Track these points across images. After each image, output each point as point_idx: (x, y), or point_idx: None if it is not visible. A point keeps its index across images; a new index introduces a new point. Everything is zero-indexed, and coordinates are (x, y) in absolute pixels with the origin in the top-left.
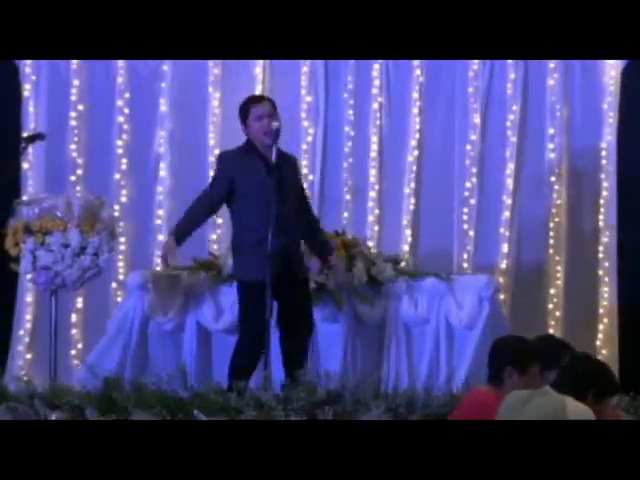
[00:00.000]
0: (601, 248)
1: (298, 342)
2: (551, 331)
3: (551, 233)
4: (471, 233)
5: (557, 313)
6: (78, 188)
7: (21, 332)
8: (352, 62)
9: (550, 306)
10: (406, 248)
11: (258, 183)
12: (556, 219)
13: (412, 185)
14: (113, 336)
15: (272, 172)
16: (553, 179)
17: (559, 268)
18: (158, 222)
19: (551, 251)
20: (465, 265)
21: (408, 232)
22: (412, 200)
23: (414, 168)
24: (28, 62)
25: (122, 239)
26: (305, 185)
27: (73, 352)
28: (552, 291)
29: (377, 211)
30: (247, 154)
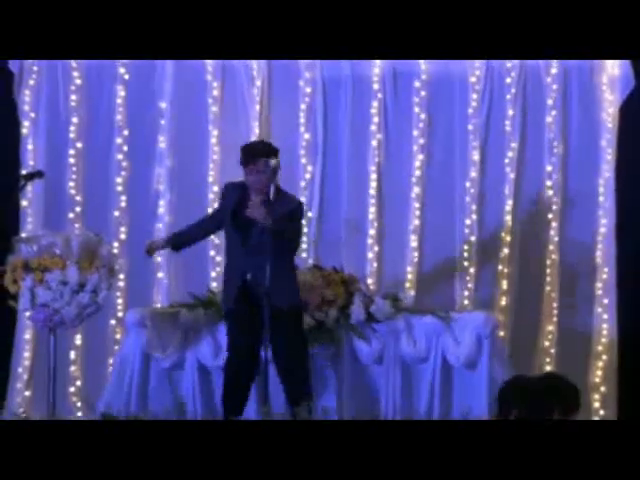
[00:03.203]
0: (599, 285)
1: (286, 375)
2: (547, 368)
3: (548, 270)
4: (471, 270)
5: (552, 350)
6: (77, 225)
7: (20, 369)
8: (351, 99)
9: (546, 343)
10: (405, 285)
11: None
12: (553, 256)
13: (414, 222)
14: (117, 374)
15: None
16: (550, 216)
17: (555, 305)
18: (157, 259)
19: (548, 288)
20: (466, 302)
21: (408, 269)
22: (413, 237)
23: (416, 205)
24: (27, 99)
25: (121, 276)
26: (304, 222)
27: (72, 389)
28: (549, 328)
29: (376, 248)
30: (243, 191)
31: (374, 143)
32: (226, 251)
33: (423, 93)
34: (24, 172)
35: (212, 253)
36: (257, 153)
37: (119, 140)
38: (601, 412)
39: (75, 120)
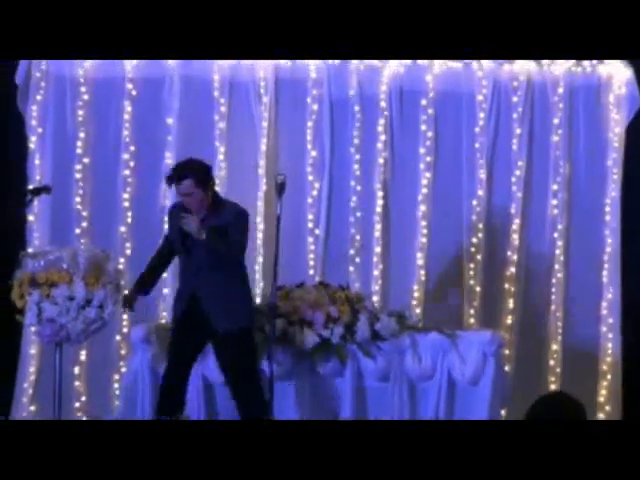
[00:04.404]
0: (604, 304)
1: (235, 395)
2: (552, 387)
3: (553, 289)
4: (477, 288)
5: (557, 369)
6: (83, 241)
7: (25, 384)
8: (358, 116)
9: (551, 362)
10: (411, 303)
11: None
12: (558, 275)
13: (420, 240)
14: (127, 391)
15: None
16: (556, 235)
17: (560, 324)
18: (164, 275)
19: (553, 307)
20: (471, 320)
21: (414, 287)
22: (419, 255)
23: (422, 223)
24: (34, 114)
25: (126, 292)
26: (311, 239)
27: (77, 405)
28: (554, 347)
29: (382, 266)
30: (184, 210)
31: (380, 161)
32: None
33: (430, 111)
34: (31, 187)
35: None
36: (173, 177)
37: (126, 156)
38: None
39: (82, 135)
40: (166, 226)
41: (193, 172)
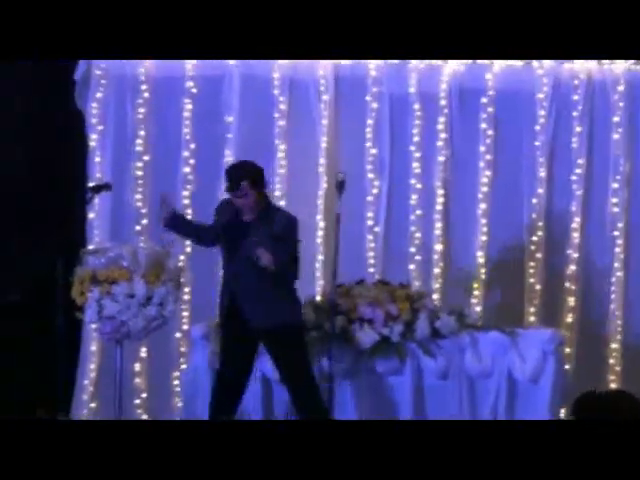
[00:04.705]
0: None
1: (292, 393)
2: (612, 386)
3: (613, 288)
4: (537, 287)
5: (617, 368)
6: (143, 238)
7: (85, 381)
8: (418, 114)
9: (611, 361)
10: (471, 301)
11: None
12: (618, 273)
13: (480, 238)
14: (189, 390)
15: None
16: (616, 233)
17: (620, 322)
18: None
19: (613, 305)
20: (532, 319)
21: (474, 285)
22: (479, 253)
23: (482, 221)
24: (94, 112)
25: (186, 289)
26: (370, 237)
27: (137, 401)
28: (613, 345)
29: (442, 264)
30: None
31: (441, 159)
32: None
33: (490, 109)
34: (92, 184)
35: None
36: (231, 181)
37: (186, 153)
38: None
39: (142, 133)
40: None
41: (249, 173)
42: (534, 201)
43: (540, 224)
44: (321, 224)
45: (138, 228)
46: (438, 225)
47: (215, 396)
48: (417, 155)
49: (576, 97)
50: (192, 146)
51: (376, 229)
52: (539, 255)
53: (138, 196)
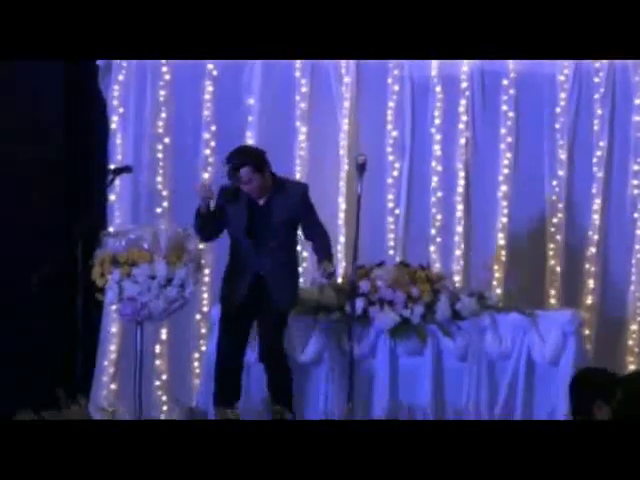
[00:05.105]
0: None
1: (271, 377)
2: (631, 367)
3: (633, 269)
4: (558, 268)
5: (636, 349)
6: (164, 220)
7: (105, 362)
8: (439, 97)
9: (630, 342)
10: (492, 283)
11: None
12: (638, 255)
13: (501, 220)
14: (207, 370)
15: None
16: (636, 215)
17: (639, 304)
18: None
19: (632, 287)
20: (552, 300)
21: (494, 267)
22: (500, 235)
23: (503, 203)
24: (116, 94)
25: (206, 271)
26: (391, 219)
27: (157, 383)
28: (633, 327)
29: (463, 246)
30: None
31: (462, 141)
32: (232, 251)
33: (511, 91)
34: (112, 167)
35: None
36: (233, 168)
37: (207, 135)
38: None
39: (163, 115)
40: None
41: (250, 158)
42: (554, 183)
43: (560, 206)
44: (342, 206)
45: (159, 210)
46: (459, 207)
47: (219, 380)
48: (438, 137)
49: (597, 79)
50: (213, 128)
51: (397, 211)
52: (559, 237)
53: (159, 178)
